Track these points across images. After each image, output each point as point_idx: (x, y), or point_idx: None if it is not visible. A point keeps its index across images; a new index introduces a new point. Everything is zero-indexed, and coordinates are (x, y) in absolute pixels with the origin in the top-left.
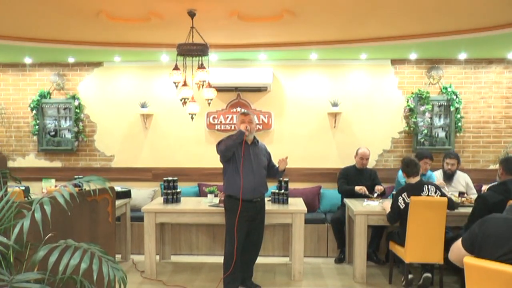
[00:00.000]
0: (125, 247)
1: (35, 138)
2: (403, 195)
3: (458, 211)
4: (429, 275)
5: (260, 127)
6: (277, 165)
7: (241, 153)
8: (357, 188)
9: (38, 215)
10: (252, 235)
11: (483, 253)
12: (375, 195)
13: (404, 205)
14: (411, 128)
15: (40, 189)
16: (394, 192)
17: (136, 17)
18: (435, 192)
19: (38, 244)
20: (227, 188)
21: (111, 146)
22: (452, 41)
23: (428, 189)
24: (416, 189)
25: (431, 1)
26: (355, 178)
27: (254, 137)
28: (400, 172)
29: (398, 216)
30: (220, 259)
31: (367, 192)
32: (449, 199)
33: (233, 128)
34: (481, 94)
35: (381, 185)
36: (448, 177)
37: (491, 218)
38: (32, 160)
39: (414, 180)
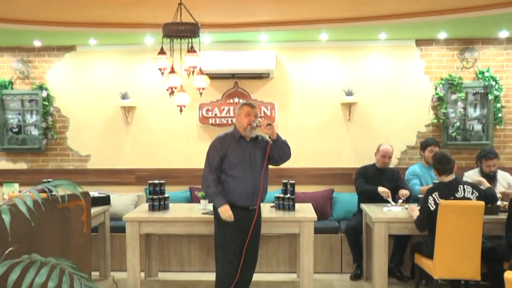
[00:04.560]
0: (104, 262)
1: None
2: (433, 194)
3: (498, 217)
4: None
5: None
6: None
7: (242, 153)
8: (380, 189)
9: None
10: (247, 250)
11: None
12: (400, 201)
13: (434, 206)
14: (441, 121)
15: (0, 195)
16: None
17: None
18: (472, 193)
19: None
20: (225, 195)
21: (87, 144)
22: (490, 17)
23: (463, 189)
24: (449, 189)
25: None
26: (375, 179)
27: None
28: (412, 167)
29: (429, 220)
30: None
31: (390, 198)
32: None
33: (230, 122)
34: None
35: (406, 188)
36: (491, 179)
37: None
38: None
39: (448, 178)
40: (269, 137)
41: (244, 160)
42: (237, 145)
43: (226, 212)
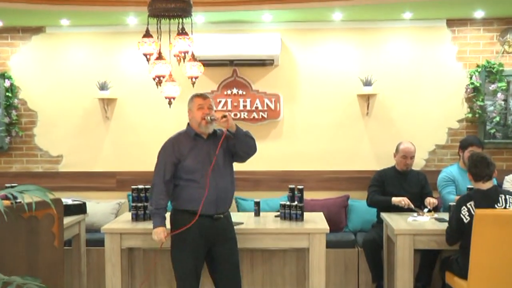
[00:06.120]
0: (78, 281)
1: None
2: (468, 204)
3: None
4: None
5: (265, 116)
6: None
7: (200, 154)
8: (394, 200)
9: None
10: (220, 270)
11: None
12: (426, 210)
13: (469, 218)
14: (477, 115)
15: None
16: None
17: None
18: None
19: None
20: (183, 202)
21: (58, 143)
22: None
23: (505, 199)
24: (488, 198)
25: None
26: (396, 184)
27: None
28: (448, 169)
29: (460, 233)
30: None
31: (411, 205)
32: None
33: None
34: None
35: (433, 196)
36: None
37: None
38: None
39: (486, 186)
40: (228, 131)
41: (204, 161)
42: (194, 145)
43: (160, 234)
